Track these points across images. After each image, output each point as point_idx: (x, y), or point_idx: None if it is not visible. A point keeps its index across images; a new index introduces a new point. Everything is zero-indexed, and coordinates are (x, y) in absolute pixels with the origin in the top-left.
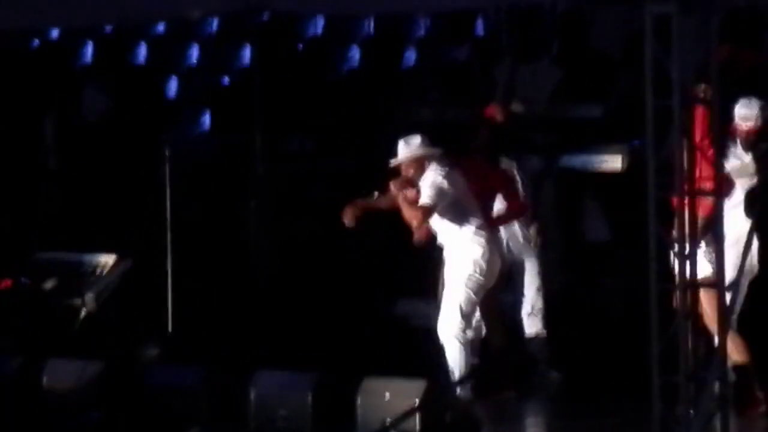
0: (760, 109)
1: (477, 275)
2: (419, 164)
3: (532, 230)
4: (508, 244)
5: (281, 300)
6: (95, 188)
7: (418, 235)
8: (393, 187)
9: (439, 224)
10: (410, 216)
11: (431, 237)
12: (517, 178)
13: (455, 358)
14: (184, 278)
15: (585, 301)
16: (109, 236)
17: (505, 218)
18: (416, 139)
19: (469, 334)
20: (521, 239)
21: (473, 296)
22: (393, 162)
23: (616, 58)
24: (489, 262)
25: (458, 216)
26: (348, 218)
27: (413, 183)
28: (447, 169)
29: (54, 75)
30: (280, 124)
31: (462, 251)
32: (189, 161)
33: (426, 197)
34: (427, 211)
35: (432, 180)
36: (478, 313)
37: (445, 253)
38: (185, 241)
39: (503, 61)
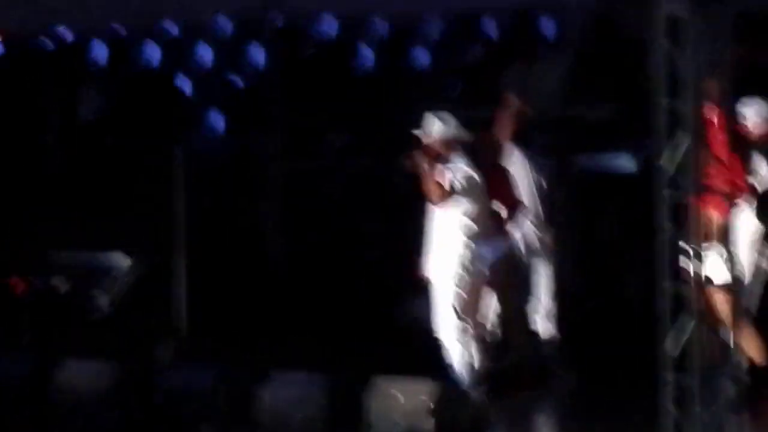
0: None
1: (465, 274)
2: (448, 144)
3: (548, 234)
4: (521, 247)
5: (295, 300)
6: (108, 189)
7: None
8: (418, 158)
9: (440, 212)
10: (430, 190)
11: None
12: (530, 175)
13: (453, 356)
14: (198, 280)
15: (598, 302)
16: (123, 237)
17: (507, 219)
18: (450, 119)
19: (469, 332)
20: (535, 242)
21: (465, 296)
22: (423, 136)
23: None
24: (476, 262)
25: (466, 212)
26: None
27: (438, 160)
28: (470, 161)
29: (67, 76)
30: (295, 125)
31: (451, 248)
32: (203, 162)
33: (459, 179)
34: (449, 192)
35: (466, 168)
36: (492, 315)
37: (430, 241)
38: (200, 242)
39: (516, 63)
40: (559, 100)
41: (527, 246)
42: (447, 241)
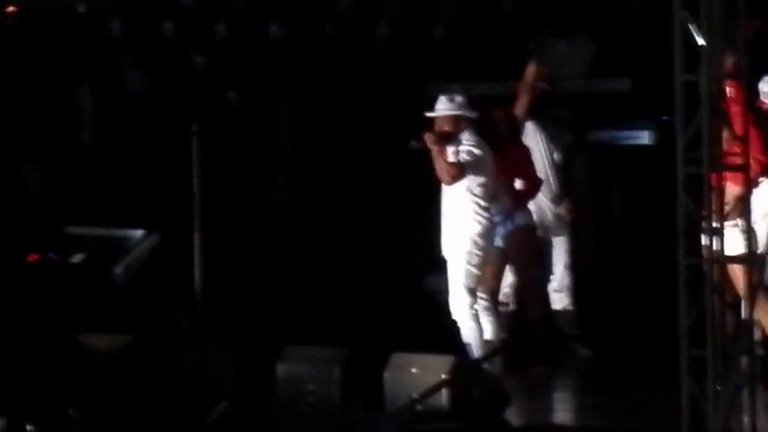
0: None
1: (475, 251)
2: (456, 122)
3: (562, 208)
4: (537, 221)
5: (310, 275)
6: (123, 163)
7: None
8: (427, 139)
9: (450, 190)
10: (441, 169)
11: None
12: (543, 148)
13: (469, 335)
14: (212, 254)
15: (614, 276)
16: (137, 211)
17: (526, 196)
18: (458, 97)
19: (479, 308)
20: (550, 217)
21: (476, 271)
22: (430, 114)
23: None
24: (487, 238)
25: (473, 188)
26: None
27: (447, 139)
28: (479, 138)
29: (85, 49)
30: (309, 100)
31: (461, 226)
32: (217, 137)
33: (463, 155)
34: (460, 170)
35: (470, 143)
36: (506, 288)
37: (444, 221)
38: (215, 216)
39: (537, 36)
40: (577, 74)
41: (542, 220)
42: (457, 217)
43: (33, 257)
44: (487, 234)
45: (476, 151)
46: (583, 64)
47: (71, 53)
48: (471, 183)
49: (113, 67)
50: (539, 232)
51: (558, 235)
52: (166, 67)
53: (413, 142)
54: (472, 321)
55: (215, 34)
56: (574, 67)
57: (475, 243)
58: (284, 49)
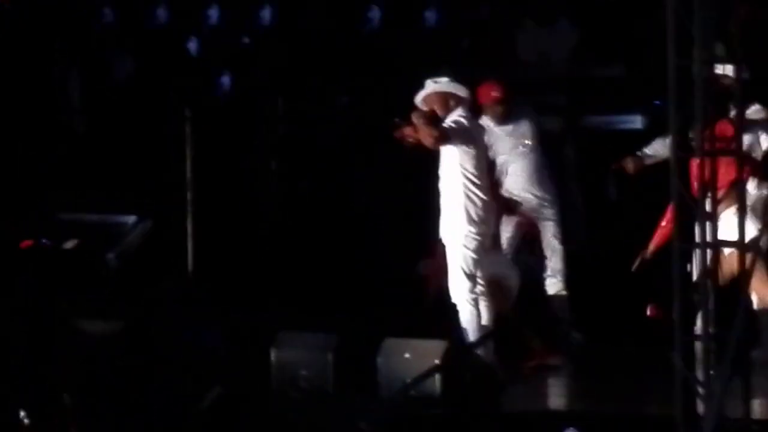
0: None
1: (473, 234)
2: (444, 100)
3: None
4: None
5: (302, 261)
6: (116, 148)
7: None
8: (414, 118)
9: (446, 172)
10: (424, 134)
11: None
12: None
13: (467, 319)
14: (204, 239)
15: (607, 261)
16: (129, 196)
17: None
18: (444, 78)
19: (478, 292)
20: (533, 203)
21: (473, 255)
22: (418, 96)
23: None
24: (485, 222)
25: (467, 169)
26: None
27: (435, 118)
28: (470, 115)
29: (75, 35)
30: (302, 84)
31: (457, 208)
32: (209, 121)
33: (449, 123)
34: (444, 134)
35: (457, 118)
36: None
37: (441, 204)
38: (208, 201)
39: (524, 23)
40: (565, 61)
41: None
42: (453, 199)
43: (26, 243)
44: (486, 214)
45: (464, 121)
46: (569, 50)
47: (62, 38)
48: (462, 156)
49: (103, 52)
50: (532, 217)
51: (546, 219)
52: (159, 52)
53: (397, 120)
54: (471, 305)
55: (207, 18)
56: (561, 53)
57: (474, 225)
58: (276, 32)
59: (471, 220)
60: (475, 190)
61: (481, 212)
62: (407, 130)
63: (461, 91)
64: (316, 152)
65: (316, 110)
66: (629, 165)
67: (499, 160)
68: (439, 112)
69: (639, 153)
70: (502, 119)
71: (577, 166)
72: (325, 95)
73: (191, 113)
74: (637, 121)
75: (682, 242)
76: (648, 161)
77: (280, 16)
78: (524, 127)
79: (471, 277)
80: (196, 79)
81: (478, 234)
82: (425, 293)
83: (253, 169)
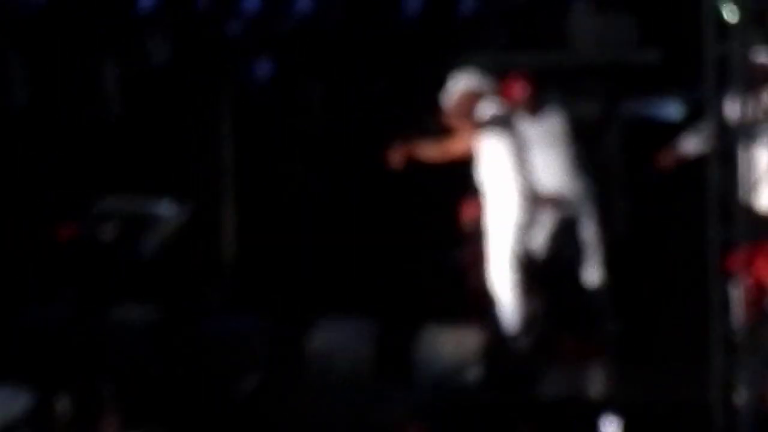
0: None
1: (513, 224)
2: (472, 99)
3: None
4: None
5: (341, 248)
6: (153, 135)
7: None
8: (448, 120)
9: (485, 163)
10: (464, 136)
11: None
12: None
13: (508, 306)
14: (243, 227)
15: (646, 251)
16: (170, 184)
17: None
18: (466, 76)
19: (518, 280)
20: (569, 194)
21: (513, 243)
22: (445, 99)
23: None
24: (525, 211)
25: (506, 159)
26: (396, 160)
27: (468, 117)
28: (500, 107)
29: (113, 21)
30: (340, 72)
31: (498, 199)
32: (251, 108)
33: (481, 118)
34: (482, 128)
35: (488, 111)
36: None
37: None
38: (248, 188)
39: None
40: (623, 47)
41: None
42: (495, 187)
43: (65, 232)
44: (524, 204)
45: (496, 113)
46: (626, 37)
47: (99, 25)
48: (499, 147)
49: (141, 39)
50: (568, 208)
51: (582, 211)
52: (197, 37)
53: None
54: (511, 294)
55: (246, 3)
56: (618, 40)
57: (513, 214)
58: (314, 18)
59: (511, 210)
60: (514, 179)
61: (521, 201)
62: (412, 148)
63: (486, 84)
64: (353, 138)
65: (354, 96)
66: (666, 159)
67: (532, 153)
68: (468, 110)
69: (677, 145)
70: (532, 113)
71: (617, 155)
72: (363, 82)
73: (230, 99)
74: (676, 109)
75: (720, 230)
76: (685, 153)
77: (319, 1)
78: (555, 119)
79: (511, 266)
80: (235, 65)
81: (518, 223)
82: (465, 281)
83: (290, 155)
